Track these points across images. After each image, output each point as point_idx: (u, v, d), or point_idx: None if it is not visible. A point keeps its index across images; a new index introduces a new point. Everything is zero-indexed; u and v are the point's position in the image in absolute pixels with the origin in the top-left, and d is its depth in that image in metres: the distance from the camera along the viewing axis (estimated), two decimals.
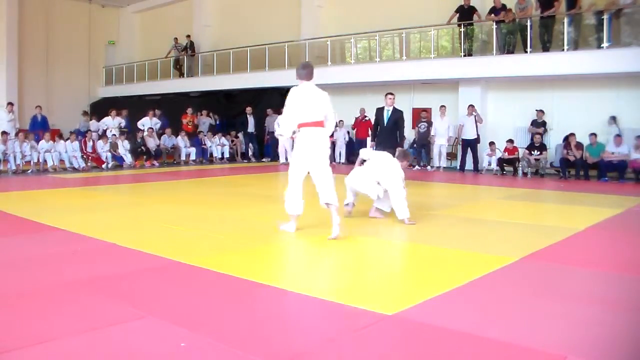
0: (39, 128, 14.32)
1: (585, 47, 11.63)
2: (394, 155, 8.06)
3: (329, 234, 5.09)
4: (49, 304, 3.32)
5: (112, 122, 15.03)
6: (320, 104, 5.28)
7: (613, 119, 11.68)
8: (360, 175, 6.24)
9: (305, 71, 5.32)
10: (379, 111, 8.63)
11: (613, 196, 8.72)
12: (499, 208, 6.44)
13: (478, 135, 12.77)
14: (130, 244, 4.86)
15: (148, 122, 15.28)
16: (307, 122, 5.21)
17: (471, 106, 12.76)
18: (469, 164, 13.09)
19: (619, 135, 11.08)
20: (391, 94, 8.62)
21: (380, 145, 8.43)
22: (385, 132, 8.52)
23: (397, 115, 8.48)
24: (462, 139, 12.99)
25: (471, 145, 12.87)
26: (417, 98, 15.11)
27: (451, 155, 14.11)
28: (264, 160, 16.07)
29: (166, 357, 2.62)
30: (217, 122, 17.14)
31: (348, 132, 15.31)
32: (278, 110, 15.61)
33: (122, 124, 15.25)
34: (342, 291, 3.61)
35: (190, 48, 19.56)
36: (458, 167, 13.25)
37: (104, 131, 14.75)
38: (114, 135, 14.24)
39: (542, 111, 12.40)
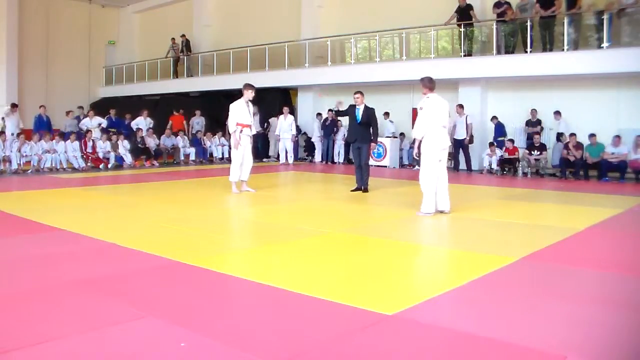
0: (44, 128, 14.23)
1: (585, 47, 11.61)
2: (367, 150, 8.50)
3: (328, 236, 5.08)
4: (49, 304, 3.32)
5: (91, 123, 14.63)
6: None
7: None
8: None
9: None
10: (351, 107, 8.86)
11: (613, 196, 8.72)
12: (499, 208, 6.44)
13: (471, 135, 12.91)
14: (130, 244, 4.86)
15: (142, 122, 15.18)
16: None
17: (460, 106, 12.89)
18: (462, 164, 13.17)
19: (617, 136, 11.07)
20: (358, 92, 8.87)
21: (354, 140, 8.86)
22: (360, 128, 8.78)
23: (369, 112, 8.76)
24: (453, 139, 13.03)
25: (462, 145, 12.96)
26: (417, 98, 15.08)
27: (452, 155, 14.11)
28: (264, 160, 16.06)
29: (166, 357, 2.62)
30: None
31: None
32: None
33: (104, 124, 14.87)
34: (342, 291, 3.60)
35: (186, 48, 19.50)
36: (452, 167, 13.28)
37: (89, 131, 14.41)
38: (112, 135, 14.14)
39: (535, 110, 12.47)
